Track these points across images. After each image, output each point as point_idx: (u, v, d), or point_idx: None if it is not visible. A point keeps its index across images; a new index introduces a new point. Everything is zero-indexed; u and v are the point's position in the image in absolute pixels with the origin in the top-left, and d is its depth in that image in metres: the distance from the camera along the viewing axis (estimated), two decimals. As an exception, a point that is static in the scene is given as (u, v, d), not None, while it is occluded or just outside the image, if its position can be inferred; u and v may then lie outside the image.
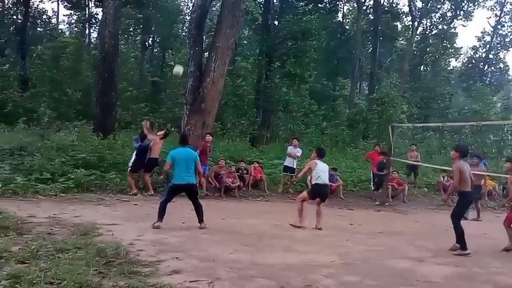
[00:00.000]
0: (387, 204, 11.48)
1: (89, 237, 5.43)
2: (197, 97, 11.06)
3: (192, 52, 11.77)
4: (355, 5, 30.21)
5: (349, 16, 33.47)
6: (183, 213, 7.67)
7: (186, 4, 32.21)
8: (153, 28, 28.37)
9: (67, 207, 7.60)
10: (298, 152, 11.93)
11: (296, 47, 18.99)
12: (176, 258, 4.96)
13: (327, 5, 24.35)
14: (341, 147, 19.06)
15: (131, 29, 29.75)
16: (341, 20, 31.17)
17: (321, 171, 7.49)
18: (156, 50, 32.24)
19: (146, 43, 30.04)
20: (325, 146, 18.91)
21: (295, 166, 11.90)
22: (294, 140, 12.27)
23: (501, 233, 8.70)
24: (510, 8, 32.13)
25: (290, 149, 11.94)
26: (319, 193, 7.57)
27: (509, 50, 33.41)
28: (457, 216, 6.57)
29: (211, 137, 10.79)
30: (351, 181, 12.88)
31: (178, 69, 11.02)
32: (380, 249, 6.35)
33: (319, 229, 7.39)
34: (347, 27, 31.66)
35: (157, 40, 30.58)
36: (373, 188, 12.55)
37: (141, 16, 26.44)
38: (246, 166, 11.82)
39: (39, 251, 4.50)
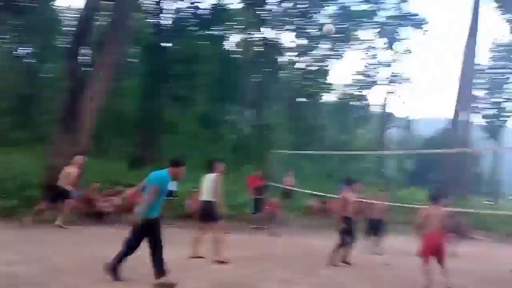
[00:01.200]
0: (264, 227, 11.96)
1: None
2: (71, 114, 10.32)
3: (69, 66, 11.04)
4: (243, 36, 31.70)
5: (238, 46, 34.89)
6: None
7: (65, 16, 30.03)
8: (27, 38, 25.79)
9: None
10: None
11: (186, 70, 19.06)
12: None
13: (216, 32, 25.07)
14: (225, 171, 19.40)
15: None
16: (229, 50, 32.31)
17: (203, 186, 7.13)
18: (30, 61, 29.24)
19: (20, 54, 27.13)
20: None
21: (174, 189, 11.77)
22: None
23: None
24: (373, 54, 36.93)
25: None
26: (199, 212, 7.18)
27: (372, 89, 38.02)
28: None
29: (83, 158, 10.09)
30: (230, 205, 13.07)
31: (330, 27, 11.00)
32: (252, 272, 6.57)
33: (221, 262, 6.76)
34: (236, 56, 32.92)
35: (32, 51, 27.80)
36: (251, 212, 12.99)
37: (15, 23, 23.92)
38: (124, 190, 11.26)
39: None
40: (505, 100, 32.66)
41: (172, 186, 11.61)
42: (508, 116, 32.90)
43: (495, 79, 33.12)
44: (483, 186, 38.39)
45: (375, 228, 9.87)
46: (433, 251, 6.50)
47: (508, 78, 32.76)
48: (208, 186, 7.10)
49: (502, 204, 27.23)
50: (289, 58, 33.95)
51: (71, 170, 9.26)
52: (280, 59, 33.75)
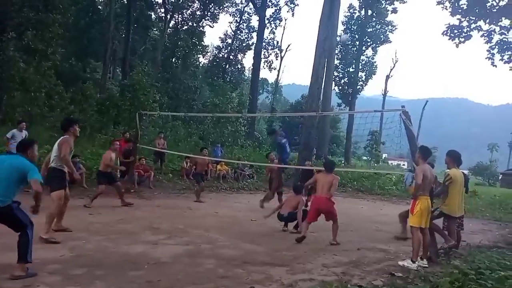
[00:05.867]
0: (132, 190, 11.55)
1: None
2: None
3: None
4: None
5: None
6: None
7: None
8: None
9: None
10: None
11: (37, 18, 16.69)
12: None
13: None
14: (90, 133, 18.00)
15: None
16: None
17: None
18: None
19: None
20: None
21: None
22: (22, 123, 10.71)
23: (228, 210, 10.13)
24: (247, 17, 37.53)
25: (13, 133, 10.32)
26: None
27: (245, 53, 38.81)
28: None
29: None
30: (97, 169, 12.21)
31: None
32: (116, 236, 6.29)
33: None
34: (100, 7, 30.02)
35: None
36: (119, 175, 12.40)
37: None
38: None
39: None
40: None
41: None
42: (360, 85, 37.17)
43: (349, 50, 36.80)
44: (339, 147, 43.33)
45: None
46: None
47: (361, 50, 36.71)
48: (55, 149, 6.02)
49: (352, 164, 31.15)
50: (160, 14, 32.37)
51: None
52: (151, 14, 31.98)
